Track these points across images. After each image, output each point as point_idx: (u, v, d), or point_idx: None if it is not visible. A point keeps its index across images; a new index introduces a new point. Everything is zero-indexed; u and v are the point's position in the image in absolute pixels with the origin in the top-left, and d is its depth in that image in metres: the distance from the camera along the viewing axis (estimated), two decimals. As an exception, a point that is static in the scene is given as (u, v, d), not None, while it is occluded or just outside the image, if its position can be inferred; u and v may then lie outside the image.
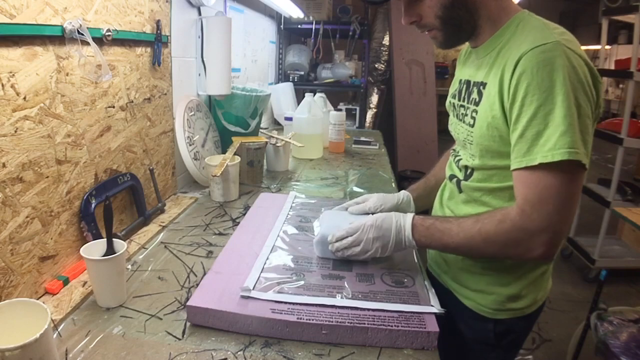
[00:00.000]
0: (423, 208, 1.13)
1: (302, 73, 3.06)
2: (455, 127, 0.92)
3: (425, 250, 1.05)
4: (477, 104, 0.81)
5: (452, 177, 0.94)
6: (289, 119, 1.96)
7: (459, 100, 0.90)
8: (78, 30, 0.82)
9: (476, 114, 0.81)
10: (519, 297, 0.86)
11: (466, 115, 0.86)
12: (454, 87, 0.95)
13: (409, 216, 0.84)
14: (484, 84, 0.80)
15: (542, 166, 0.69)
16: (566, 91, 0.67)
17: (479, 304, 0.89)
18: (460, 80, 0.92)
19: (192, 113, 1.43)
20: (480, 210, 0.83)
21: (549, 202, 0.70)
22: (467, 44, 0.91)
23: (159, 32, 1.16)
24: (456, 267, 0.92)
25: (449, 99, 0.96)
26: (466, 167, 0.88)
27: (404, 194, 1.08)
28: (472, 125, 0.82)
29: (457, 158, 0.93)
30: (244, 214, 1.20)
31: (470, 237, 0.76)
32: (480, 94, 0.81)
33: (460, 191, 0.90)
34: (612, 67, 4.56)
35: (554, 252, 0.73)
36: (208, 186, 1.39)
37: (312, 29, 3.06)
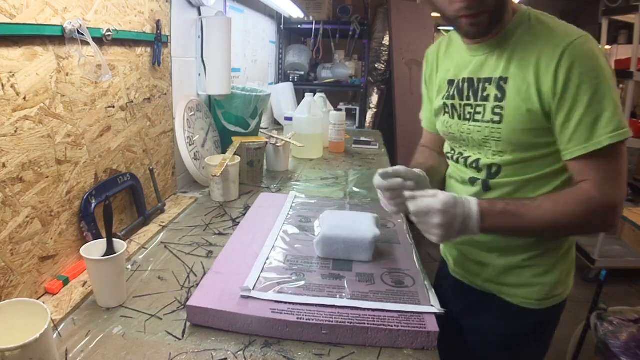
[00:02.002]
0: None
1: (302, 73, 3.06)
2: (456, 127, 0.89)
3: (449, 254, 1.05)
4: (499, 99, 0.80)
5: (472, 180, 0.90)
6: (289, 119, 1.96)
7: (461, 99, 0.88)
8: (78, 30, 0.82)
9: (501, 110, 0.80)
10: (559, 283, 0.89)
11: (478, 113, 0.84)
12: (442, 88, 0.92)
13: (474, 202, 0.76)
14: (504, 79, 0.80)
15: (607, 147, 0.72)
16: (609, 76, 0.72)
17: (524, 298, 0.90)
18: (455, 80, 0.89)
19: (192, 113, 1.43)
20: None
21: (619, 177, 0.75)
22: (440, 41, 0.96)
23: (159, 32, 1.16)
24: (493, 268, 0.91)
25: (441, 100, 0.93)
26: (490, 165, 0.86)
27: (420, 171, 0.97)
28: (499, 122, 0.81)
29: (469, 159, 0.89)
30: (244, 214, 1.20)
31: (554, 221, 0.76)
32: (501, 89, 0.80)
33: (488, 189, 0.87)
34: (612, 67, 4.55)
35: (617, 224, 0.78)
36: (208, 186, 1.39)
37: (312, 29, 3.06)
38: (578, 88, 0.72)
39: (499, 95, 0.80)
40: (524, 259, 0.88)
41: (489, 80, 0.82)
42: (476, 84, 0.84)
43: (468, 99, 0.86)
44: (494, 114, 0.82)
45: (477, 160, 0.88)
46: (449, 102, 0.91)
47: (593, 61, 0.72)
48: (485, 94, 0.83)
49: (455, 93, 0.89)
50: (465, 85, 0.87)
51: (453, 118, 0.90)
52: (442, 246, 1.08)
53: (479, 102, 0.84)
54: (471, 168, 0.90)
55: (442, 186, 1.02)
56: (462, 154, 0.92)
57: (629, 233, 2.97)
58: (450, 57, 0.92)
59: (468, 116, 0.86)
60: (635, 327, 1.68)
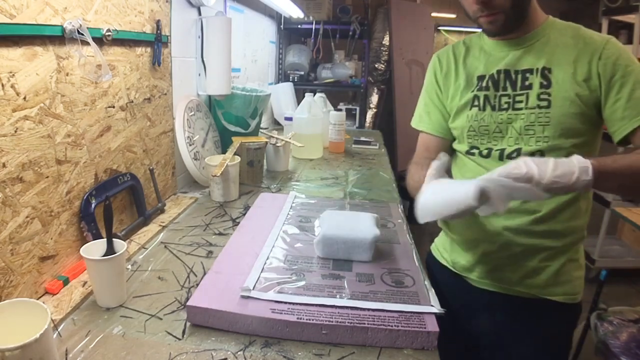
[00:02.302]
0: None
1: (302, 73, 3.06)
2: (490, 118, 0.90)
3: (442, 257, 1.03)
4: (545, 87, 0.85)
5: None
6: (289, 119, 1.96)
7: (496, 90, 0.90)
8: (78, 30, 0.82)
9: (549, 95, 0.85)
10: (582, 274, 0.94)
11: (519, 101, 0.87)
12: (471, 83, 0.93)
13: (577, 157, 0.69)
14: (547, 69, 0.85)
15: None
16: None
17: (569, 295, 0.92)
18: (485, 75, 0.91)
19: (192, 113, 1.43)
20: (557, 200, 0.86)
21: None
22: (453, 47, 0.98)
23: (159, 32, 1.16)
24: (536, 275, 0.90)
25: (470, 94, 0.93)
26: (533, 153, 0.85)
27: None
28: (547, 107, 0.85)
29: (507, 151, 0.88)
30: (244, 214, 1.20)
31: None
32: (546, 78, 0.85)
33: None
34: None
35: None
36: (208, 186, 1.39)
37: (312, 29, 3.06)
38: (624, 70, 0.79)
39: (545, 83, 0.85)
40: (564, 257, 0.90)
41: (530, 70, 0.87)
42: (514, 75, 0.88)
43: (505, 89, 0.89)
44: (540, 99, 0.85)
45: (518, 150, 0.87)
46: (481, 93, 0.92)
47: (628, 53, 0.82)
48: (527, 83, 0.87)
49: (490, 84, 0.91)
50: (502, 76, 0.90)
51: (484, 110, 0.91)
52: (462, 259, 1.00)
53: (519, 92, 0.87)
54: (509, 160, 0.85)
55: None
56: (492, 148, 0.91)
57: (629, 233, 2.97)
58: (476, 57, 0.95)
59: (505, 106, 0.88)
60: (635, 327, 1.68)
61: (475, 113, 0.92)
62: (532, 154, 0.86)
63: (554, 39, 0.86)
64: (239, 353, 0.68)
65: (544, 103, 0.85)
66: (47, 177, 0.80)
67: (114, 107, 1.00)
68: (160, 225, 1.13)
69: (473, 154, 0.94)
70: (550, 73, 0.85)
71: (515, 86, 0.88)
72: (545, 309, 0.92)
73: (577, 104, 0.82)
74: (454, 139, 1.00)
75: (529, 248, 0.89)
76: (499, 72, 0.90)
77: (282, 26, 2.99)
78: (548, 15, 0.90)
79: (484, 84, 0.91)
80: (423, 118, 1.03)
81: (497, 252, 0.92)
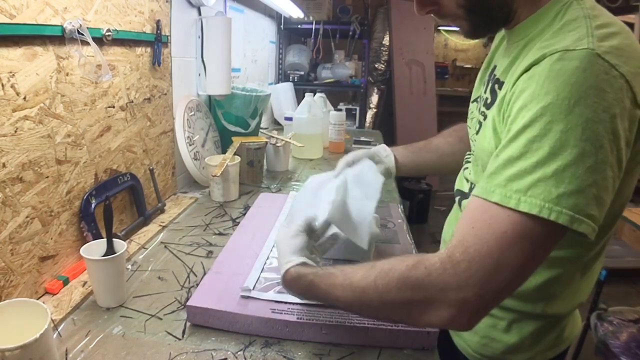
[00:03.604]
0: (412, 166, 0.96)
1: (302, 73, 3.06)
2: (476, 122, 0.72)
3: None
4: (488, 105, 0.63)
5: (458, 193, 0.77)
6: (289, 119, 1.96)
7: (484, 91, 0.69)
8: (78, 30, 0.82)
9: (484, 119, 0.63)
10: (521, 348, 0.69)
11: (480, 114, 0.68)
12: (488, 69, 0.74)
13: (284, 269, 0.65)
14: (499, 83, 0.62)
15: (501, 207, 0.49)
16: (577, 120, 0.46)
17: (468, 347, 0.75)
18: (492, 65, 0.71)
19: (192, 113, 1.43)
20: None
21: (490, 256, 0.48)
22: None
23: (159, 32, 1.16)
24: None
25: (482, 85, 0.76)
26: (471, 183, 0.72)
27: (382, 147, 0.95)
28: (477, 132, 0.65)
29: (465, 167, 0.77)
30: (244, 214, 1.20)
31: (361, 290, 0.56)
32: (494, 94, 0.62)
33: (461, 209, 0.76)
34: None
35: (465, 322, 0.51)
36: (208, 186, 1.39)
37: (312, 29, 3.06)
38: (518, 112, 0.51)
39: (489, 100, 0.63)
40: None
41: (492, 77, 0.65)
42: (489, 79, 0.68)
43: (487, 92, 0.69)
44: (478, 121, 0.66)
45: (466, 169, 0.76)
46: (482, 90, 0.72)
47: (554, 86, 0.47)
48: (485, 94, 0.67)
49: (486, 80, 0.71)
50: (492, 76, 0.68)
51: (477, 111, 0.72)
52: None
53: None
54: (464, 178, 0.77)
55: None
56: (468, 157, 0.78)
57: (629, 233, 2.97)
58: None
59: (481, 116, 0.69)
60: (635, 327, 1.68)
61: (472, 108, 0.75)
62: (470, 182, 0.73)
63: (537, 35, 0.57)
64: (239, 353, 0.68)
65: (477, 127, 0.65)
66: (47, 177, 0.80)
67: (114, 107, 1.00)
68: (160, 225, 1.13)
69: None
70: (500, 88, 0.60)
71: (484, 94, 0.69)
72: (451, 350, 0.79)
73: (495, 140, 0.59)
74: None
75: None
76: (493, 67, 0.69)
77: (282, 26, 2.99)
78: None
79: (487, 78, 0.71)
80: None
81: None
